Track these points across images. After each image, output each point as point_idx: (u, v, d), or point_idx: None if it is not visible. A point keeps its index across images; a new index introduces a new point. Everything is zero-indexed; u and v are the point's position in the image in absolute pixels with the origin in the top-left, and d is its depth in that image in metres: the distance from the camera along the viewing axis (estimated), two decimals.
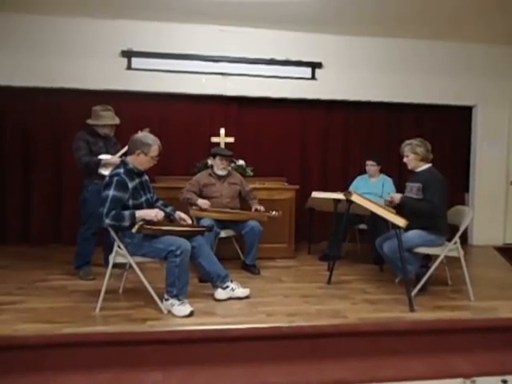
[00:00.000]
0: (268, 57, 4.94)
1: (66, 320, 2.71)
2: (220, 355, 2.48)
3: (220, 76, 4.90)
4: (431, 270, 3.30)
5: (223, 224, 3.85)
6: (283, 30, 4.88)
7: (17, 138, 4.81)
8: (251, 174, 4.72)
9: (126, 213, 2.80)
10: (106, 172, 3.35)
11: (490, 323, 2.83)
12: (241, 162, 4.73)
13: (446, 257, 3.34)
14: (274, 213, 3.88)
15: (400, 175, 4.89)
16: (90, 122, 3.71)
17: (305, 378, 2.45)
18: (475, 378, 2.52)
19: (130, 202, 2.87)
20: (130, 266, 2.97)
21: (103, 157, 3.63)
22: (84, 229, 3.66)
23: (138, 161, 2.94)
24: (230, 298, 3.14)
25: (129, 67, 4.73)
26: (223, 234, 3.89)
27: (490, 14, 4.49)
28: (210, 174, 4.04)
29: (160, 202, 3.18)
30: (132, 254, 2.89)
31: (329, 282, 3.61)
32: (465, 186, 5.65)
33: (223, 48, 4.85)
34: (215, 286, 3.15)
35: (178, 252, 2.78)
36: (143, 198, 2.98)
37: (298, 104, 5.19)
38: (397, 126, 5.44)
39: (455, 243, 3.24)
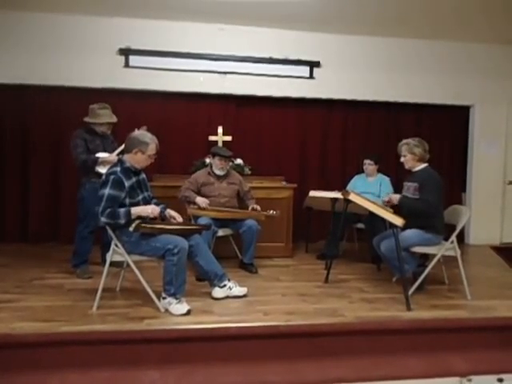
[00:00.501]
0: (266, 56, 4.94)
1: (64, 318, 2.70)
2: (217, 354, 2.48)
3: (218, 74, 4.89)
4: (428, 269, 3.31)
5: (221, 223, 3.85)
6: (282, 28, 4.87)
7: (14, 136, 4.79)
8: (249, 172, 4.72)
9: (122, 210, 2.79)
10: (103, 170, 3.34)
11: (487, 322, 2.84)
12: (239, 161, 4.73)
13: (443, 256, 3.35)
14: (271, 212, 3.87)
15: (397, 174, 4.89)
16: (87, 120, 3.70)
17: (302, 376, 2.46)
18: (471, 377, 2.54)
19: (127, 201, 2.86)
20: (128, 265, 2.97)
21: (100, 155, 3.63)
22: (81, 227, 3.65)
23: (135, 159, 2.93)
24: (227, 297, 3.14)
25: (126, 65, 4.71)
26: (221, 232, 3.88)
27: (489, 13, 4.49)
28: (209, 173, 4.04)
29: (153, 201, 3.17)
30: (129, 253, 2.88)
31: (326, 280, 3.62)
32: (462, 186, 5.66)
33: (221, 46, 4.84)
34: (213, 285, 3.15)
35: (176, 250, 2.78)
36: (140, 197, 2.98)
37: (297, 103, 5.19)
38: (395, 126, 5.45)
39: (452, 242, 3.25)
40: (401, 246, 3.10)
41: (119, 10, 4.48)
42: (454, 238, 3.24)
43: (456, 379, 2.54)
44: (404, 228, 3.18)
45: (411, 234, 3.29)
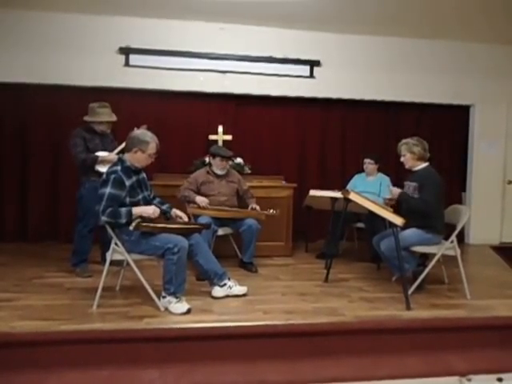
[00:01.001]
0: (266, 55, 4.93)
1: (63, 317, 2.70)
2: (217, 353, 2.48)
3: (218, 74, 4.89)
4: (428, 268, 3.31)
5: (221, 222, 3.85)
6: (282, 28, 4.87)
7: (14, 135, 4.79)
8: (249, 171, 4.72)
9: (123, 210, 2.79)
10: (102, 169, 3.34)
11: (486, 321, 2.84)
12: (238, 160, 4.73)
13: (443, 255, 3.35)
14: (271, 211, 3.88)
15: (397, 174, 4.89)
16: (86, 118, 3.70)
17: (302, 375, 2.46)
18: (471, 376, 2.54)
19: (127, 200, 2.86)
20: (127, 264, 2.97)
21: (100, 154, 3.63)
22: (81, 226, 3.65)
23: (136, 158, 2.93)
24: (227, 296, 3.14)
25: (126, 64, 4.71)
26: (221, 231, 3.88)
27: (490, 13, 4.50)
28: (208, 172, 4.03)
29: (157, 200, 3.18)
30: (129, 252, 2.88)
31: (326, 280, 3.62)
32: (462, 185, 5.66)
33: (222, 46, 4.83)
34: (212, 284, 3.15)
35: (176, 250, 2.78)
36: (140, 196, 2.98)
37: (297, 102, 5.19)
38: (395, 125, 5.45)
39: (452, 242, 3.26)
40: (400, 246, 3.10)
41: (119, 8, 4.48)
42: (453, 237, 3.24)
43: (455, 378, 2.54)
44: (404, 227, 3.18)
45: (411, 233, 3.29)
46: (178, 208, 3.20)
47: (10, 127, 4.78)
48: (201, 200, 3.82)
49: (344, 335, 2.65)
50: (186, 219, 3.12)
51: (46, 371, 2.31)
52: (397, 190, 3.40)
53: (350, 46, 5.10)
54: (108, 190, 2.78)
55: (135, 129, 3.13)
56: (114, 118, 3.77)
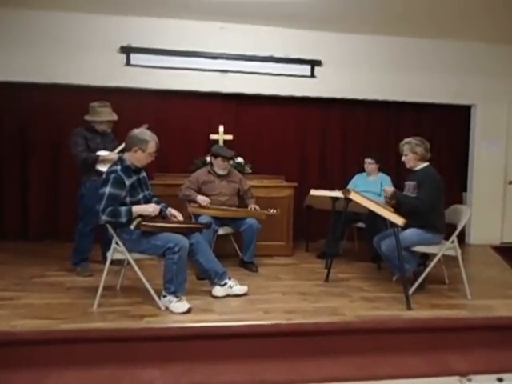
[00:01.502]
0: (267, 54, 4.93)
1: (64, 316, 2.71)
2: (217, 352, 2.48)
3: (219, 73, 4.89)
4: (428, 268, 3.31)
5: (221, 221, 3.86)
6: (283, 27, 4.86)
7: (14, 134, 4.79)
8: (249, 171, 4.72)
9: (123, 209, 2.79)
10: (103, 168, 3.34)
11: (487, 322, 2.84)
12: (239, 160, 4.73)
13: (444, 255, 3.35)
14: (272, 210, 3.88)
15: (398, 174, 4.89)
16: (87, 118, 3.70)
17: (302, 375, 2.46)
18: (471, 376, 2.54)
19: (128, 200, 2.86)
20: (128, 263, 2.97)
21: (101, 153, 3.63)
22: (82, 225, 3.65)
23: (136, 157, 2.93)
24: (227, 295, 3.14)
25: (127, 63, 4.70)
26: (221, 231, 3.88)
27: (491, 13, 4.48)
28: (209, 172, 4.03)
29: (154, 199, 3.17)
30: (130, 251, 2.88)
31: (326, 279, 3.62)
32: (463, 185, 5.66)
33: (222, 45, 4.83)
34: (213, 283, 3.15)
35: (176, 249, 2.78)
36: (141, 195, 2.98)
37: (297, 102, 5.18)
38: (395, 125, 5.44)
39: (453, 242, 3.25)
40: (401, 246, 3.10)
41: (121, 8, 4.47)
42: (454, 237, 3.24)
43: (456, 378, 2.54)
44: (404, 227, 3.18)
45: (412, 233, 3.29)
46: (178, 207, 3.21)
47: (10, 126, 4.78)
48: (202, 199, 3.83)
49: (344, 335, 2.65)
50: (180, 218, 3.10)
51: (46, 370, 2.31)
52: (390, 189, 3.39)
53: (350, 46, 5.10)
54: (108, 189, 2.78)
55: (134, 129, 3.12)
56: (114, 117, 3.78)
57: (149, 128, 3.13)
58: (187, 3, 4.36)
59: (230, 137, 4.86)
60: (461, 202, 5.49)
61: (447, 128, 5.56)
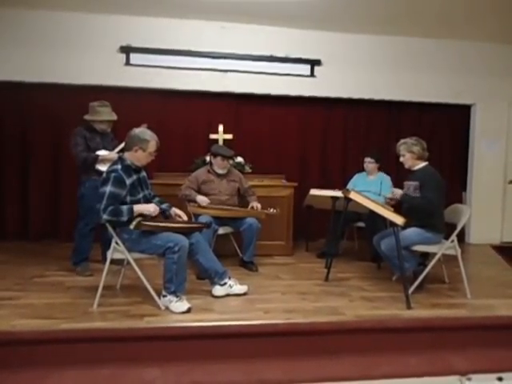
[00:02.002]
0: (267, 54, 4.93)
1: (64, 316, 2.71)
2: (217, 352, 2.48)
3: (219, 72, 4.89)
4: (428, 267, 3.31)
5: (221, 221, 3.86)
6: (283, 27, 4.86)
7: (14, 134, 4.78)
8: (250, 171, 4.72)
9: (124, 207, 2.80)
10: (103, 168, 3.34)
11: (487, 321, 2.84)
12: (239, 159, 4.73)
13: (443, 255, 3.35)
14: (272, 210, 3.88)
15: (398, 174, 4.89)
16: (87, 117, 3.70)
17: (302, 374, 2.46)
18: (471, 375, 2.54)
19: (128, 199, 2.87)
20: (128, 263, 2.97)
21: (101, 153, 3.63)
22: (82, 225, 3.65)
23: (136, 157, 2.93)
24: (227, 295, 3.14)
25: (127, 63, 4.70)
26: (221, 230, 3.89)
27: (492, 13, 4.49)
28: (209, 171, 4.03)
29: (156, 199, 3.17)
30: (130, 250, 2.89)
31: (326, 279, 3.62)
32: (463, 185, 5.66)
33: (223, 45, 4.83)
34: (213, 283, 3.16)
35: (176, 248, 2.78)
36: (141, 195, 2.98)
37: (297, 101, 5.18)
38: (395, 125, 5.44)
39: (452, 241, 3.25)
40: (401, 245, 3.10)
41: (120, 7, 4.47)
42: (454, 236, 3.24)
43: (456, 378, 2.54)
44: (404, 227, 3.18)
45: (411, 232, 3.29)
46: (178, 207, 3.20)
47: (10, 126, 4.78)
48: (201, 200, 3.83)
49: (344, 334, 2.65)
50: (185, 218, 3.12)
51: (46, 370, 2.31)
52: (398, 191, 3.40)
53: (350, 46, 5.09)
54: (108, 188, 2.78)
55: (133, 129, 3.12)
56: (114, 116, 3.78)
57: (148, 127, 3.13)
58: (187, 3, 4.36)
59: (229, 136, 4.86)
60: (461, 201, 5.49)
61: (447, 127, 5.56)
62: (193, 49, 4.78)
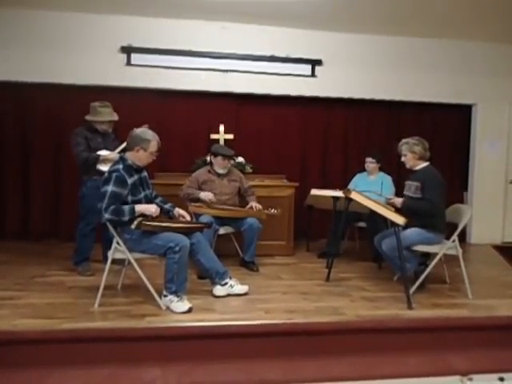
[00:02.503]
0: (268, 54, 4.93)
1: (65, 316, 2.71)
2: (218, 351, 2.48)
3: (220, 73, 4.89)
4: (429, 267, 3.31)
5: (222, 221, 3.85)
6: (284, 27, 4.86)
7: (15, 134, 4.79)
8: (250, 171, 4.72)
9: (126, 207, 2.80)
10: (104, 168, 3.34)
11: (488, 321, 2.83)
12: (240, 159, 4.73)
13: (445, 255, 3.35)
14: (272, 210, 3.88)
15: (399, 173, 4.89)
16: (88, 118, 3.71)
17: (303, 374, 2.46)
18: (472, 376, 2.53)
19: (129, 198, 2.87)
20: (129, 262, 2.97)
21: (102, 153, 3.63)
22: (83, 225, 3.66)
23: (137, 157, 2.93)
24: (228, 295, 3.14)
25: (128, 63, 4.71)
26: (222, 230, 3.89)
27: (493, 13, 4.48)
28: (210, 171, 4.03)
29: (159, 199, 3.18)
30: (131, 250, 2.89)
31: (327, 279, 3.62)
32: (464, 185, 5.65)
33: (224, 45, 4.83)
34: (214, 283, 3.16)
35: (177, 248, 2.78)
36: (142, 195, 2.98)
37: (298, 101, 5.18)
38: (396, 124, 5.43)
39: (454, 241, 3.25)
40: (402, 245, 3.10)
41: (121, 7, 4.47)
42: (455, 236, 3.24)
43: (457, 378, 2.54)
44: (405, 227, 3.18)
45: (412, 232, 3.28)
46: (179, 207, 3.21)
47: (11, 126, 4.78)
48: (205, 195, 3.82)
49: (345, 334, 2.65)
50: (188, 218, 3.13)
51: (47, 369, 2.31)
52: (398, 200, 3.39)
53: (351, 45, 5.09)
54: (110, 188, 2.78)
55: (134, 129, 3.12)
56: (115, 117, 3.78)
57: (149, 128, 3.14)
58: (188, 3, 4.36)
59: (230, 136, 4.86)
60: (462, 201, 5.48)
61: (448, 127, 5.55)
62: (194, 49, 4.78)
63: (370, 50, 5.12)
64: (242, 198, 4.12)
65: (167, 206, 3.14)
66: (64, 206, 4.85)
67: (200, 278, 3.47)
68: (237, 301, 3.09)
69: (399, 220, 3.06)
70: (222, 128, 4.85)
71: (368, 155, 4.51)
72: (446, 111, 5.48)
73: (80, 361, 2.36)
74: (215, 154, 3.99)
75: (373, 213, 3.35)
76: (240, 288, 3.19)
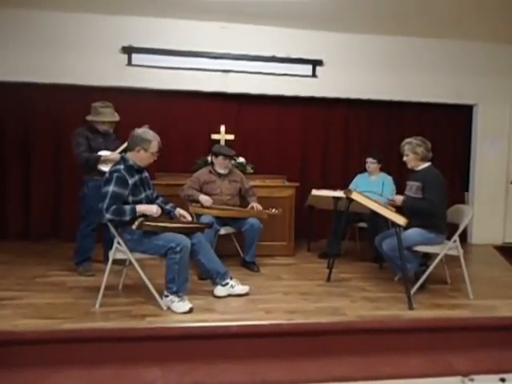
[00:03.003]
0: (269, 54, 4.93)
1: (66, 316, 2.72)
2: (219, 352, 2.48)
3: (221, 73, 4.89)
4: (430, 268, 3.30)
5: (223, 221, 3.86)
6: (284, 27, 4.86)
7: (16, 134, 4.79)
8: (251, 171, 4.72)
9: (127, 207, 2.80)
10: (105, 168, 3.34)
11: (489, 322, 2.83)
12: (241, 160, 4.73)
13: (446, 255, 3.34)
14: (273, 210, 3.88)
15: (400, 173, 4.88)
16: (89, 118, 3.71)
17: (303, 375, 2.45)
18: (473, 376, 2.53)
19: (130, 199, 2.87)
20: (130, 263, 2.97)
21: (103, 153, 3.64)
22: (84, 225, 3.66)
23: (138, 157, 2.94)
24: (229, 295, 3.14)
25: (129, 63, 4.71)
26: (223, 231, 3.89)
27: (494, 13, 4.48)
28: (211, 171, 4.04)
29: (160, 199, 3.18)
30: (132, 251, 2.89)
31: (328, 279, 3.62)
32: (465, 185, 5.64)
33: (224, 45, 4.83)
34: (215, 283, 3.16)
35: (178, 249, 2.78)
36: (143, 195, 2.98)
37: (299, 101, 5.18)
38: (397, 125, 5.43)
39: (455, 242, 3.25)
40: (403, 245, 3.09)
41: (122, 7, 4.48)
42: (456, 237, 3.23)
43: (458, 378, 2.53)
44: (406, 227, 3.18)
45: (413, 233, 3.28)
46: (180, 207, 3.21)
47: (12, 126, 4.79)
48: (205, 199, 3.83)
49: (346, 335, 2.64)
50: (189, 218, 3.13)
51: (47, 369, 2.31)
52: (399, 198, 3.39)
53: (352, 46, 5.09)
54: (111, 188, 2.79)
55: (135, 129, 3.13)
56: (116, 117, 3.78)
57: (150, 128, 3.14)
58: (189, 3, 4.37)
59: (231, 136, 4.86)
60: (463, 201, 5.48)
61: (449, 128, 5.55)
62: (194, 49, 4.79)
63: (370, 50, 5.11)
64: (242, 198, 4.12)
65: (168, 207, 3.14)
66: (65, 206, 4.86)
67: (201, 278, 3.47)
68: (237, 301, 3.10)
69: (400, 220, 3.06)
70: (222, 128, 4.85)
71: (369, 155, 4.51)
72: (447, 111, 5.47)
73: (81, 361, 2.36)
74: (216, 154, 3.99)
75: (374, 213, 3.34)
76: (241, 288, 3.19)
